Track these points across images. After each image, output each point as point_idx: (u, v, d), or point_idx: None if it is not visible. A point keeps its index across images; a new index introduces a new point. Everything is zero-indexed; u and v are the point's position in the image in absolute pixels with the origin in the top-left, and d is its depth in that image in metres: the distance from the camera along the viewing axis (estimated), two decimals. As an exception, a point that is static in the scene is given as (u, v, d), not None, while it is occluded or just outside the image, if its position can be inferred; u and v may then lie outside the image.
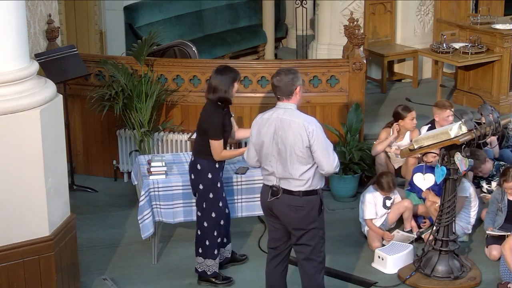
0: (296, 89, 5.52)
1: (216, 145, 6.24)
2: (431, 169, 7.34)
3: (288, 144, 5.45)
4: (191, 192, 6.70)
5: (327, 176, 5.72)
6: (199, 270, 6.56)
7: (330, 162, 5.45)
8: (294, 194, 5.51)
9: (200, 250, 6.53)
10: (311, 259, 5.70)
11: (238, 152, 6.51)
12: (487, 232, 7.02)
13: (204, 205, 6.42)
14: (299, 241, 5.68)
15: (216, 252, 6.49)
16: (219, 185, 6.41)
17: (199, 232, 6.52)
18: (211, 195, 6.38)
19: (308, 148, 5.42)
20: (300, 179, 5.47)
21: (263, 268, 6.83)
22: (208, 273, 6.54)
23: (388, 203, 7.33)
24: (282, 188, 5.54)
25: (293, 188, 5.51)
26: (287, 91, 5.51)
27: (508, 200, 7.09)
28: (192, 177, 6.43)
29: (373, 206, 7.26)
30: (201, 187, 6.38)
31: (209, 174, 6.35)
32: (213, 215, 6.42)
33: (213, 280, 6.55)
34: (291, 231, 5.69)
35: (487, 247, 7.04)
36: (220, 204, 6.44)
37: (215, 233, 6.46)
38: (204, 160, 6.33)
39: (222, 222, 6.49)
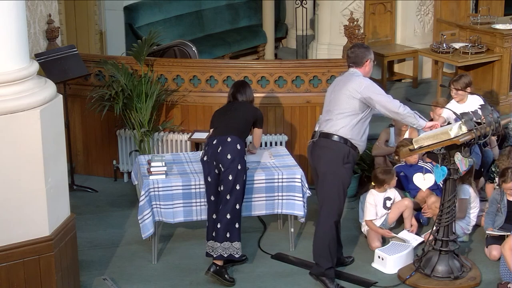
0: (366, 60, 6.41)
1: (261, 134, 6.92)
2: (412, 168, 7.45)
3: (339, 91, 6.30)
4: (191, 192, 6.70)
5: (394, 117, 6.51)
6: (225, 255, 6.57)
7: (391, 104, 6.26)
8: (327, 137, 6.30)
9: (228, 235, 6.54)
10: (322, 210, 6.42)
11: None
12: (487, 232, 7.02)
13: (237, 187, 6.49)
14: (319, 186, 6.42)
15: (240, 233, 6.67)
16: None
17: (228, 216, 6.52)
18: (244, 177, 6.53)
19: (358, 100, 6.22)
20: (337, 120, 6.26)
21: (263, 268, 6.85)
22: (236, 256, 6.59)
23: (388, 203, 7.33)
24: (320, 131, 6.34)
25: (329, 129, 6.30)
26: (358, 61, 6.42)
27: (508, 201, 7.09)
28: (229, 156, 6.46)
29: (374, 207, 7.26)
30: (239, 167, 6.47)
31: (244, 156, 6.57)
32: (241, 197, 6.57)
33: (225, 275, 6.56)
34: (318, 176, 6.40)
35: (487, 247, 7.04)
36: (245, 189, 6.65)
37: (241, 215, 6.64)
38: (243, 142, 6.58)
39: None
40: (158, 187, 6.72)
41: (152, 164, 6.78)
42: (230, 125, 6.60)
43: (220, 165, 6.48)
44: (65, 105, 7.56)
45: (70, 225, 6.10)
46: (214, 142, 6.54)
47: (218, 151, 6.48)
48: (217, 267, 6.58)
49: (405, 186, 7.77)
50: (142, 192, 6.70)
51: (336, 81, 6.54)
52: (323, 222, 6.45)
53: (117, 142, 8.64)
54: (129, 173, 8.59)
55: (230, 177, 6.46)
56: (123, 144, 8.62)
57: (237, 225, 6.57)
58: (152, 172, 6.76)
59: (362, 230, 7.40)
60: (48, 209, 5.74)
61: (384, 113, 6.35)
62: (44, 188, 5.68)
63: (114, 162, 8.72)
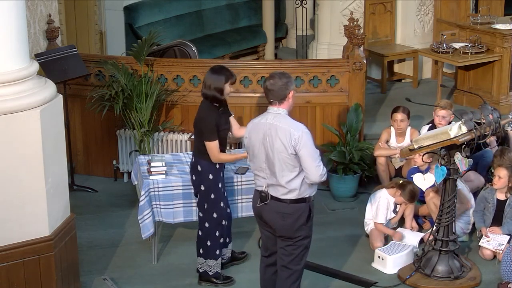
0: (289, 93, 5.45)
1: (211, 147, 6.22)
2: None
3: (275, 150, 5.37)
4: (191, 192, 6.70)
5: (314, 185, 5.50)
6: (201, 270, 6.56)
7: (315, 170, 5.34)
8: (282, 201, 5.44)
9: (201, 251, 6.52)
10: (289, 268, 5.62)
11: (235, 157, 6.52)
12: (481, 244, 6.99)
13: (205, 206, 6.41)
14: (283, 248, 5.61)
15: (218, 252, 6.49)
16: (220, 185, 6.40)
17: (200, 233, 6.51)
18: (212, 196, 6.37)
19: (294, 155, 5.33)
20: (287, 187, 5.39)
21: (263, 268, 6.83)
22: (210, 273, 6.53)
23: (397, 207, 7.34)
24: (270, 194, 5.47)
25: (281, 195, 5.43)
26: (281, 95, 5.43)
27: (497, 200, 7.09)
28: (193, 178, 6.42)
29: (386, 210, 7.26)
30: (202, 188, 6.37)
31: (210, 175, 6.33)
32: (215, 215, 6.40)
33: (214, 280, 6.55)
34: (277, 238, 5.62)
35: (479, 247, 7.04)
36: (222, 204, 6.42)
37: (217, 234, 6.46)
38: (204, 161, 6.31)
39: (224, 223, 6.48)
40: (158, 187, 6.72)
41: (152, 164, 6.78)
42: (194, 139, 6.50)
43: (191, 184, 6.51)
44: (65, 105, 7.55)
45: (70, 225, 6.10)
46: (189, 158, 6.56)
47: (189, 170, 6.51)
48: (203, 274, 6.60)
49: None
50: (142, 192, 6.70)
51: (258, 128, 5.48)
52: (290, 284, 5.65)
53: (117, 142, 8.64)
54: (129, 173, 8.59)
55: (198, 196, 6.44)
56: (123, 144, 8.62)
57: (209, 243, 6.46)
58: (152, 172, 6.75)
59: (365, 229, 7.39)
60: (48, 209, 5.74)
61: (304, 169, 5.36)
62: (44, 188, 5.68)
63: (114, 162, 8.72)
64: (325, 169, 5.42)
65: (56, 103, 5.84)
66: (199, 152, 6.33)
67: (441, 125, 7.70)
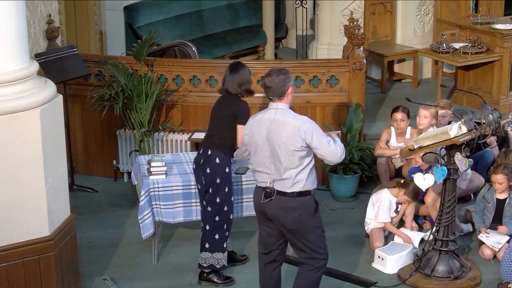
0: (287, 89, 5.51)
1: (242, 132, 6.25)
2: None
3: (282, 145, 5.42)
4: (191, 192, 6.70)
5: (315, 178, 5.61)
6: (205, 265, 6.55)
7: (333, 154, 5.49)
8: (287, 195, 5.48)
9: (207, 245, 6.51)
10: (314, 258, 5.68)
11: None
12: (480, 237, 6.99)
13: (217, 199, 6.41)
14: (297, 241, 5.66)
15: (225, 245, 6.52)
16: (232, 179, 6.48)
17: (207, 227, 6.49)
18: (226, 189, 6.41)
19: (305, 147, 5.41)
20: (293, 180, 5.45)
21: (263, 268, 6.83)
22: (217, 266, 6.54)
23: (399, 207, 7.34)
24: (276, 189, 5.50)
25: (287, 189, 5.47)
26: (279, 91, 5.49)
27: (497, 199, 7.09)
28: (208, 171, 6.37)
29: (388, 210, 7.26)
30: (218, 181, 6.37)
31: (227, 168, 6.38)
32: (225, 208, 6.45)
33: (214, 280, 6.55)
34: (286, 234, 5.65)
35: (479, 247, 7.04)
36: (232, 198, 6.49)
37: (225, 227, 6.49)
38: (223, 154, 6.34)
39: (231, 217, 6.53)
40: (158, 187, 6.72)
41: (152, 164, 6.78)
42: (212, 132, 6.46)
43: (203, 178, 6.47)
44: (65, 105, 7.55)
45: (70, 225, 6.10)
46: (201, 151, 6.50)
47: (201, 163, 6.45)
48: (204, 274, 6.60)
49: None
50: (142, 192, 6.70)
51: (260, 124, 5.54)
52: (315, 274, 5.77)
53: (117, 142, 8.64)
54: (129, 173, 8.59)
55: (211, 190, 6.42)
56: (123, 144, 8.62)
57: (217, 237, 6.48)
58: (152, 172, 6.75)
59: (366, 228, 7.38)
60: (48, 209, 5.74)
61: (322, 156, 5.50)
62: (44, 188, 5.68)
63: (114, 162, 8.72)
64: (340, 146, 5.54)
65: (56, 103, 5.84)
66: (219, 145, 6.33)
67: (441, 125, 7.70)
